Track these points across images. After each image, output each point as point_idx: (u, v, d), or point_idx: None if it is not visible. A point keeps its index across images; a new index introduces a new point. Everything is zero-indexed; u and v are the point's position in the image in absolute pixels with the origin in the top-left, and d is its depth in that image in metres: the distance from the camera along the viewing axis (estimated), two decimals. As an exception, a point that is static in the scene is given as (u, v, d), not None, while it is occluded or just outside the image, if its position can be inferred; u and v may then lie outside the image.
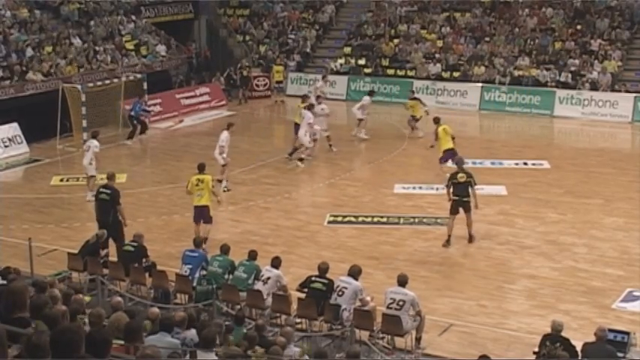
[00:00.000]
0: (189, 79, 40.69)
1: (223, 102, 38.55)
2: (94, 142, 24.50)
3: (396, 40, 41.26)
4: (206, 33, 44.95)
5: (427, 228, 21.38)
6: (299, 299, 15.45)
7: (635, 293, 16.97)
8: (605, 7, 39.36)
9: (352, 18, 44.10)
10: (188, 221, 21.94)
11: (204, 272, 16.56)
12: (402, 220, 21.93)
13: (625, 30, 38.00)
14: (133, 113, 31.83)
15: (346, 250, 19.84)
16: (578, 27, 38.89)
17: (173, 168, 27.85)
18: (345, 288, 14.97)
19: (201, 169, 20.60)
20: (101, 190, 19.36)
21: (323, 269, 15.55)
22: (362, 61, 40.90)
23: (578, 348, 12.75)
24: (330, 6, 44.73)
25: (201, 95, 37.97)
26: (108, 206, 18.91)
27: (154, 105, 34.87)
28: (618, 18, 38.63)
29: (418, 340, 14.77)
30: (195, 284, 16.38)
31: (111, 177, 19.64)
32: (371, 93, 33.16)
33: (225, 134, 24.68)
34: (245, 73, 39.91)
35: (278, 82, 39.68)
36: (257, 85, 40.35)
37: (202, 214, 20.07)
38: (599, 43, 37.51)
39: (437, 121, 26.16)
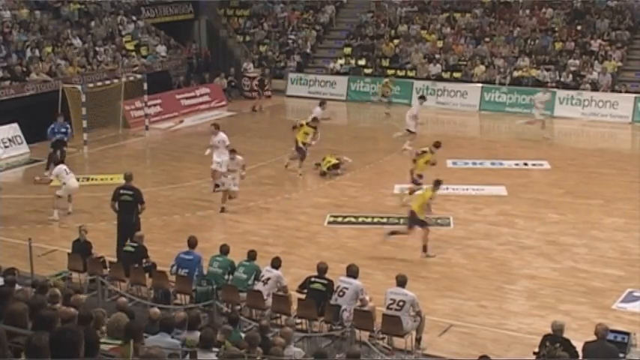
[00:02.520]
0: (190, 79, 40.69)
1: (223, 102, 38.57)
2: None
3: (396, 41, 41.29)
4: (206, 33, 44.96)
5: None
6: (299, 300, 15.46)
7: (636, 294, 16.96)
8: (605, 7, 39.39)
9: (352, 18, 44.11)
10: (188, 222, 22.01)
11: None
12: (402, 221, 21.82)
13: (625, 30, 38.02)
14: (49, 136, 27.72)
15: (346, 250, 19.84)
16: (579, 27, 38.92)
17: (173, 168, 27.86)
18: (346, 288, 14.98)
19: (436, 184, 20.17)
20: (122, 191, 19.07)
21: (322, 269, 15.56)
22: (362, 62, 40.92)
23: (579, 349, 12.74)
24: (330, 6, 44.74)
25: (201, 96, 38.00)
26: (132, 206, 18.83)
27: (154, 105, 34.88)
28: (618, 18, 38.64)
29: (418, 340, 14.77)
30: (194, 285, 16.38)
31: (129, 177, 19.40)
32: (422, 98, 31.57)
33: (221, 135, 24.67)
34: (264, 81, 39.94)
35: (384, 96, 37.95)
36: (257, 86, 40.34)
37: (412, 219, 19.73)
38: (600, 43, 37.53)
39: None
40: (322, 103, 29.93)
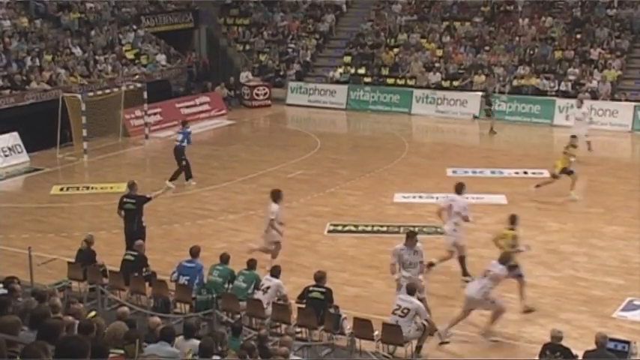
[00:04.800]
0: (190, 88, 40.72)
1: (223, 111, 38.58)
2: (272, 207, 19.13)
3: (395, 49, 41.31)
4: (206, 42, 45.02)
5: (427, 237, 21.28)
6: (299, 308, 15.44)
7: (636, 302, 16.95)
8: (605, 16, 39.43)
9: (352, 27, 44.13)
10: (188, 231, 22.00)
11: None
12: (402, 230, 21.80)
13: (624, 39, 38.05)
14: (182, 143, 26.45)
15: (346, 259, 19.83)
16: (578, 36, 38.94)
17: (173, 177, 27.82)
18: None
19: None
20: (125, 199, 19.38)
21: (318, 277, 15.57)
22: (362, 70, 40.94)
23: (579, 357, 12.73)
24: (330, 15, 44.77)
25: (201, 104, 37.99)
26: (133, 214, 19.09)
27: (154, 114, 34.86)
28: (618, 27, 38.69)
29: (418, 349, 14.74)
30: (194, 294, 16.36)
31: (132, 186, 19.67)
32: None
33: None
34: None
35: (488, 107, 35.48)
36: (257, 95, 40.38)
37: None
38: (599, 52, 37.57)
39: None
40: (580, 101, 30.82)
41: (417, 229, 21.43)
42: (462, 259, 18.55)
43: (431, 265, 17.95)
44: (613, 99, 35.22)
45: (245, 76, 41.31)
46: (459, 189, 19.09)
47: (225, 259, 16.80)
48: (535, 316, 16.63)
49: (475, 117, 36.33)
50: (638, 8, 39.13)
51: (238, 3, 47.04)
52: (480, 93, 36.48)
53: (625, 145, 33.15)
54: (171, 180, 25.85)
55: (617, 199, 24.39)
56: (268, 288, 15.80)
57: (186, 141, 26.38)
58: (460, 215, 18.55)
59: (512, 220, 17.77)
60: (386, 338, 14.61)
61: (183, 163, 26.25)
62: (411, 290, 14.79)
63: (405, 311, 14.48)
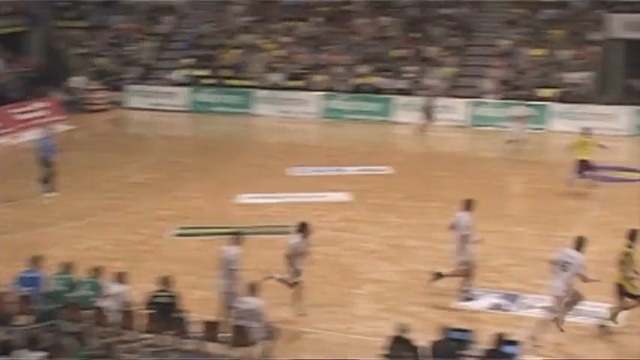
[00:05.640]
0: (26, 93, 39.52)
1: (61, 116, 37.65)
2: None
3: (237, 51, 41.30)
4: (42, 46, 43.81)
5: (273, 237, 21.42)
6: (145, 314, 15.25)
7: (475, 292, 17.49)
8: (440, 15, 40.50)
9: (192, 29, 43.88)
10: (27, 240, 21.36)
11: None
12: (248, 230, 21.87)
13: (460, 37, 39.20)
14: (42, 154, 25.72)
15: (192, 262, 19.70)
16: (414, 35, 39.86)
17: (11, 185, 26.92)
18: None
19: None
20: None
21: (164, 281, 15.43)
22: (203, 72, 40.73)
23: (424, 348, 13.05)
24: (170, 17, 44.37)
25: (37, 110, 36.96)
26: None
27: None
28: (453, 26, 39.81)
29: (266, 350, 14.76)
30: (37, 305, 15.92)
31: None
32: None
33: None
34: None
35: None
36: (96, 99, 39.63)
37: None
38: (435, 50, 38.57)
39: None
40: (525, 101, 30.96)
41: (262, 228, 21.72)
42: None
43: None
44: (449, 96, 36.20)
45: (79, 81, 40.39)
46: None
47: (68, 267, 16.42)
48: (379, 310, 16.94)
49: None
50: (471, 7, 40.39)
51: (74, 4, 46.00)
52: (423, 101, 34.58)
53: (462, 140, 34.17)
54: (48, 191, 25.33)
55: (455, 192, 25.03)
56: (114, 295, 15.53)
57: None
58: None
59: (632, 236, 15.60)
60: (234, 340, 14.59)
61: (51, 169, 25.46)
62: (253, 290, 14.81)
63: (249, 312, 14.49)
